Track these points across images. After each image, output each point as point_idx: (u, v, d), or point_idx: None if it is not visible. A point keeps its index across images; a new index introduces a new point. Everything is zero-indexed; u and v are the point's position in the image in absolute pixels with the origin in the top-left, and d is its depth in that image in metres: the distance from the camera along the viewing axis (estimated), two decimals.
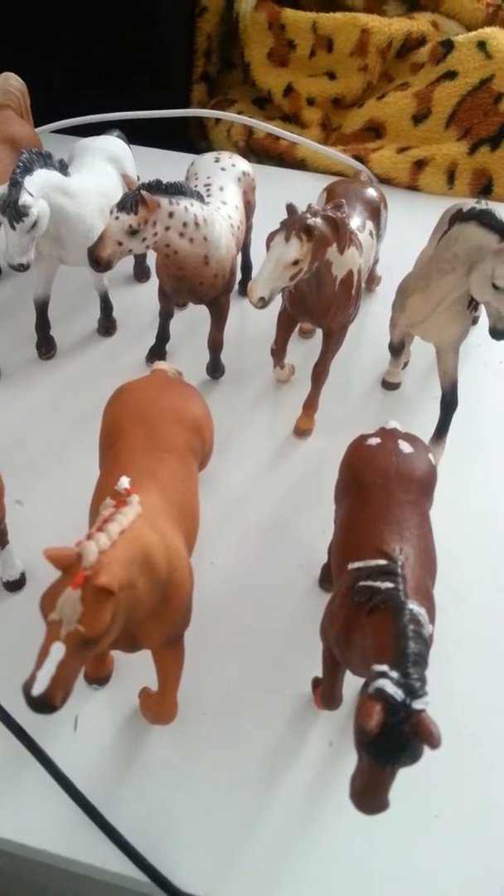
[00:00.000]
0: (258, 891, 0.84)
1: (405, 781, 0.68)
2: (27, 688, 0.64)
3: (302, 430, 1.30)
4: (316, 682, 0.97)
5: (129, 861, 0.83)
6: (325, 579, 1.09)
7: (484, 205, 1.10)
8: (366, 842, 0.87)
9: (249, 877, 0.84)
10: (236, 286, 1.35)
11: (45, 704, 0.64)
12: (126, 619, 0.72)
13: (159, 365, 1.09)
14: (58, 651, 0.65)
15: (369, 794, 0.68)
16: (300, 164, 1.92)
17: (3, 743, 0.91)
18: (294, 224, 1.04)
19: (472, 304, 1.17)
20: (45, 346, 1.40)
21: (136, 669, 0.95)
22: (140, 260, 1.56)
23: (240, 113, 1.98)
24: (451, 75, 1.84)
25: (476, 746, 0.95)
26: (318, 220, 1.06)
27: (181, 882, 0.83)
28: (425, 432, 1.15)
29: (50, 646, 0.65)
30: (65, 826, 0.86)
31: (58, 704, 0.64)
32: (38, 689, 0.64)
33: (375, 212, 1.32)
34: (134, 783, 0.90)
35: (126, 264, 1.55)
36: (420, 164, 1.84)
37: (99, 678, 0.97)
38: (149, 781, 0.90)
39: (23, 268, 1.17)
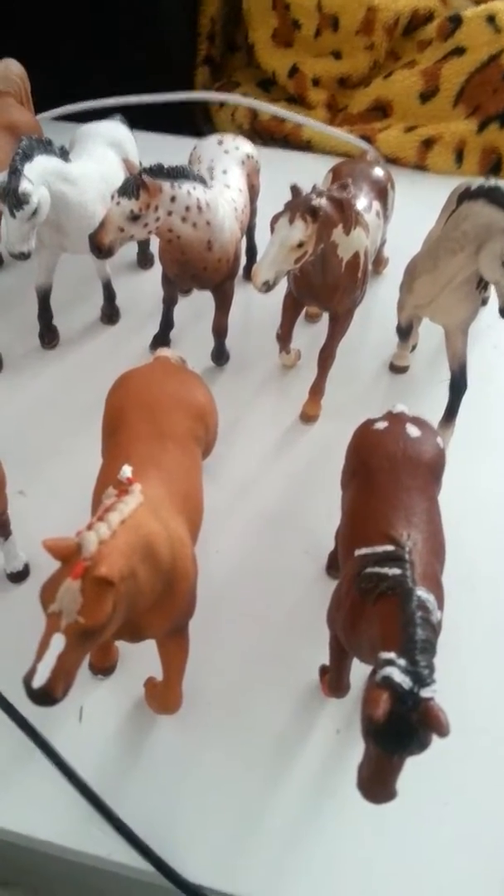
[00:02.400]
0: (265, 880, 0.83)
1: (413, 770, 0.67)
2: (28, 680, 0.63)
3: (308, 416, 1.29)
4: (323, 670, 0.96)
5: (135, 851, 0.82)
6: (332, 566, 1.07)
7: (493, 182, 1.07)
8: (373, 831, 0.86)
9: (256, 866, 0.84)
10: (241, 271, 1.33)
11: (45, 696, 0.63)
12: (128, 610, 0.71)
13: (163, 352, 1.07)
14: (58, 643, 0.64)
15: (377, 783, 0.67)
16: (306, 146, 1.90)
17: (8, 734, 0.90)
18: (298, 205, 1.02)
19: (482, 285, 1.15)
20: (48, 336, 1.39)
21: (141, 659, 0.95)
22: (143, 246, 1.54)
23: (244, 95, 1.95)
24: (459, 51, 1.80)
25: (485, 734, 0.94)
26: (323, 201, 1.03)
27: (187, 872, 0.82)
28: (434, 416, 1.13)
29: (50, 637, 0.64)
30: (70, 817, 0.86)
31: (59, 696, 0.64)
32: (38, 681, 0.63)
33: (382, 192, 1.29)
34: (139, 774, 0.89)
35: (129, 251, 1.53)
36: (428, 143, 1.80)
37: (104, 668, 0.96)
38: (154, 772, 0.90)
39: (24, 256, 1.16)
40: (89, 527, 0.69)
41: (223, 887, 0.82)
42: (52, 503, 1.13)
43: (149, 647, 0.86)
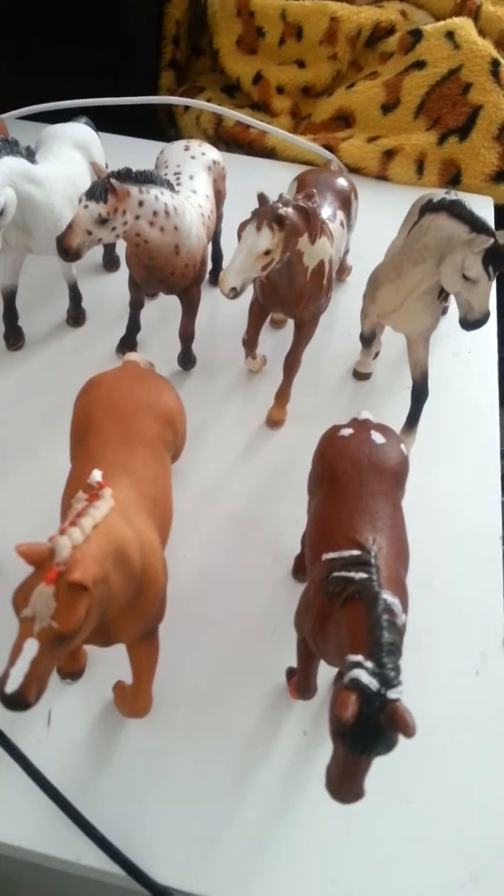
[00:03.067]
0: (235, 881, 0.84)
1: (379, 769, 0.69)
2: (0, 685, 0.63)
3: (274, 421, 1.30)
4: (290, 672, 0.97)
5: (105, 855, 0.83)
6: (299, 570, 1.09)
7: (453, 195, 1.10)
8: (341, 830, 0.88)
9: (226, 868, 0.85)
10: (207, 276, 1.34)
11: (19, 702, 0.63)
12: (100, 614, 0.72)
13: (130, 356, 1.08)
14: (31, 647, 0.64)
15: (345, 783, 0.68)
16: (270, 153, 1.91)
17: None
18: (265, 214, 1.03)
19: (443, 295, 1.18)
20: (13, 338, 1.38)
21: (110, 663, 0.95)
22: (109, 249, 1.54)
23: (208, 100, 1.96)
24: (419, 65, 1.84)
25: (449, 734, 0.96)
26: (289, 210, 1.05)
27: (158, 875, 0.82)
28: (396, 422, 1.16)
29: (23, 642, 0.64)
30: (39, 821, 0.85)
31: (32, 701, 0.64)
32: (11, 686, 0.63)
33: (346, 201, 1.32)
34: (109, 777, 0.90)
35: (95, 253, 1.53)
36: (389, 154, 1.84)
37: (72, 672, 0.96)
38: (124, 775, 0.90)
39: None
40: (62, 531, 0.69)
41: (192, 889, 0.83)
42: (18, 507, 1.12)
43: (117, 651, 0.86)
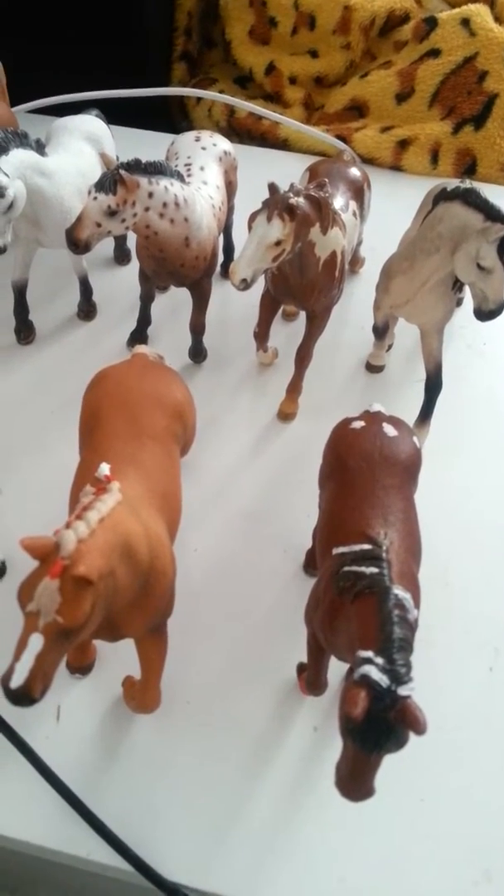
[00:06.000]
0: (244, 878, 0.83)
1: (390, 766, 0.68)
2: (5, 680, 0.63)
3: (286, 414, 1.29)
4: (301, 668, 0.96)
5: (114, 851, 0.82)
6: (310, 564, 1.08)
7: (468, 184, 1.08)
8: (352, 827, 0.87)
9: (235, 864, 0.84)
10: (218, 268, 1.33)
11: (24, 697, 0.63)
12: (107, 609, 0.71)
13: (140, 349, 1.07)
14: (36, 642, 0.63)
15: (355, 781, 0.67)
16: (283, 144, 1.90)
17: None
18: (276, 204, 1.02)
19: (457, 285, 1.16)
20: (24, 331, 1.37)
21: (119, 658, 0.94)
22: (120, 242, 1.53)
23: (221, 92, 1.94)
24: (434, 53, 1.82)
25: (460, 730, 0.95)
26: (300, 200, 1.04)
27: (166, 871, 0.82)
28: (410, 415, 1.14)
29: (28, 637, 0.64)
30: (48, 817, 0.85)
31: (37, 696, 0.63)
32: (16, 681, 0.62)
33: (359, 192, 1.30)
34: (118, 773, 0.89)
35: (106, 247, 1.52)
36: (404, 144, 1.82)
37: (81, 667, 0.96)
38: (133, 771, 0.90)
39: (0, 251, 1.15)
40: (67, 525, 0.68)
41: (202, 885, 0.82)
42: (28, 500, 1.12)
43: (126, 646, 0.86)
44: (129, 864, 0.82)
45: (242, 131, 1.94)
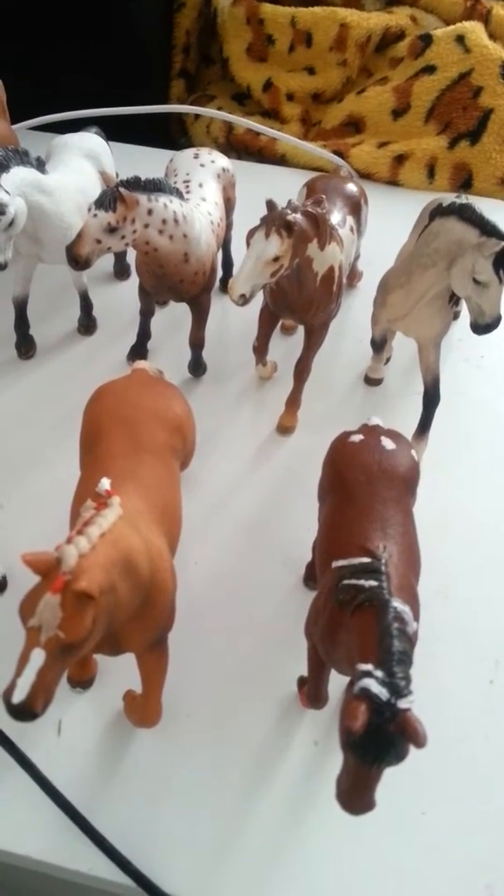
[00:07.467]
0: (245, 892, 0.83)
1: (391, 780, 0.68)
2: (7, 695, 0.63)
3: (285, 428, 1.30)
4: (301, 681, 0.97)
5: (115, 866, 0.82)
6: (310, 578, 1.08)
7: (464, 199, 1.10)
8: (352, 841, 0.87)
9: (236, 879, 0.84)
10: (217, 283, 1.34)
11: (26, 712, 0.63)
12: (108, 623, 0.71)
13: (140, 364, 1.08)
14: (38, 657, 0.64)
15: (355, 794, 0.67)
16: (280, 160, 1.92)
17: None
18: (274, 220, 1.03)
19: (454, 299, 1.17)
20: (25, 346, 1.38)
21: (119, 672, 0.94)
22: (120, 258, 1.55)
23: (219, 109, 1.97)
24: (430, 69, 1.84)
25: (461, 743, 0.95)
26: (298, 216, 1.05)
27: (168, 886, 0.82)
28: (408, 428, 1.15)
29: (30, 652, 0.64)
30: (49, 832, 0.85)
31: (39, 711, 0.64)
32: (18, 696, 0.63)
33: (356, 207, 1.31)
34: (119, 787, 0.89)
35: (106, 262, 1.53)
36: (400, 159, 1.83)
37: (82, 681, 0.96)
38: (134, 785, 0.90)
39: (0, 267, 1.16)
40: (69, 540, 0.69)
41: None
42: (29, 515, 1.12)
43: (127, 660, 0.86)
44: (130, 879, 0.82)
45: (240, 147, 1.96)
